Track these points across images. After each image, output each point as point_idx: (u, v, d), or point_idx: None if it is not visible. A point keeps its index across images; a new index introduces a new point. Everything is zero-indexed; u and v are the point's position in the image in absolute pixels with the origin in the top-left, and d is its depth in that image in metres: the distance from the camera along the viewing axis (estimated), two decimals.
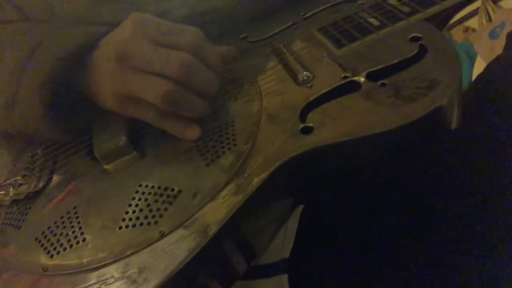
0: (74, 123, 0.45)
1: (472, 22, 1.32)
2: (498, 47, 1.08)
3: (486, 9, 1.22)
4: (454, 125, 0.37)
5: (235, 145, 0.39)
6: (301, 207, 0.43)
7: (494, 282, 0.36)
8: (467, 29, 1.35)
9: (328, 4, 0.52)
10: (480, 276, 0.36)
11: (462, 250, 0.38)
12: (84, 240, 0.37)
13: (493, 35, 1.16)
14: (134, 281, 0.33)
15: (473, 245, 0.38)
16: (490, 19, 1.22)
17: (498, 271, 0.36)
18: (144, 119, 0.41)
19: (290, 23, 0.52)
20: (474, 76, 1.07)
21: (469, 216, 0.39)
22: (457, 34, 1.35)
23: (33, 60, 0.41)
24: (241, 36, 0.52)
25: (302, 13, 0.52)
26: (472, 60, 1.21)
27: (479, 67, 1.14)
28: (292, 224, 0.42)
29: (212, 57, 0.41)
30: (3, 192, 0.45)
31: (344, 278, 0.42)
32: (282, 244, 0.42)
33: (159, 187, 0.38)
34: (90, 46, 0.41)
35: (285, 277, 0.42)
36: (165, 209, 0.37)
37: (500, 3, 1.22)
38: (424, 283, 0.38)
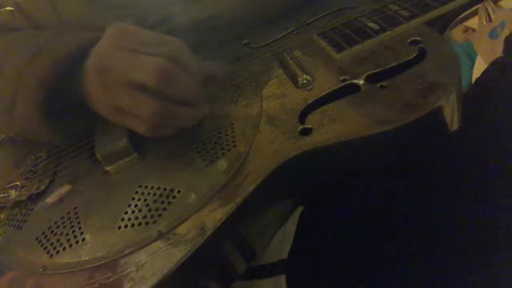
0: (71, 127, 0.45)
1: (472, 22, 1.32)
2: (498, 47, 1.07)
3: (486, 9, 1.21)
4: (454, 127, 0.37)
5: (234, 146, 0.40)
6: (300, 208, 0.43)
7: None
8: (467, 29, 1.34)
9: (330, 11, 0.52)
10: None
11: (466, 248, 0.39)
12: (83, 239, 0.37)
13: (493, 35, 1.16)
14: (132, 279, 0.33)
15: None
16: (490, 19, 1.21)
17: None
18: (137, 130, 0.41)
19: (291, 29, 0.52)
20: (474, 76, 1.07)
21: (468, 217, 0.40)
22: (457, 34, 1.35)
23: (31, 65, 0.41)
24: (244, 42, 0.52)
25: (304, 19, 0.52)
26: (472, 60, 1.21)
27: (479, 67, 1.14)
28: (291, 225, 0.42)
29: (192, 66, 0.39)
30: (5, 194, 0.45)
31: (341, 279, 0.42)
32: (280, 245, 0.43)
33: (158, 188, 0.39)
34: (84, 52, 0.41)
35: (283, 278, 0.42)
36: (164, 209, 0.37)
37: (500, 3, 1.21)
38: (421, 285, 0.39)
